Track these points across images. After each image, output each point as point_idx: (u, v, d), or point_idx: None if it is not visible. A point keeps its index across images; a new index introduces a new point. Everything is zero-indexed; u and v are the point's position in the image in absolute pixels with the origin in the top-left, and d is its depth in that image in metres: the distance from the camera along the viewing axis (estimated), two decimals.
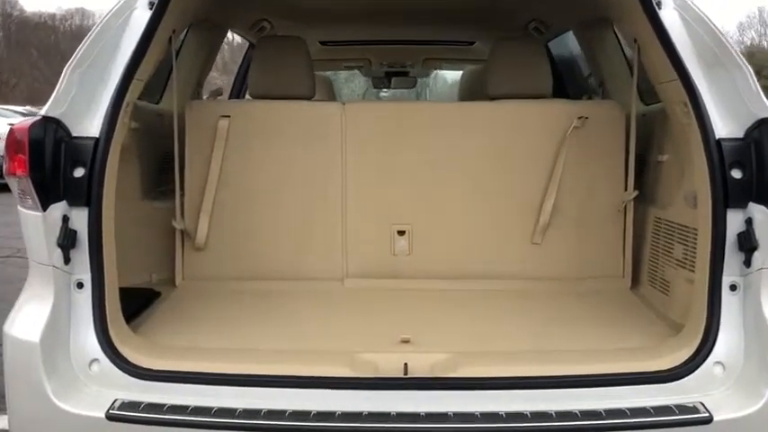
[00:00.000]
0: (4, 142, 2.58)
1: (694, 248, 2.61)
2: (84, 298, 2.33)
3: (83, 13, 57.47)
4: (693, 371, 2.27)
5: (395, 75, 6.28)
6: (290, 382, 2.26)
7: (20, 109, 20.65)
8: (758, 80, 2.35)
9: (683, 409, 2.19)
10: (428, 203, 3.34)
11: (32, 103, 25.26)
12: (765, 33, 54.59)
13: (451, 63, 6.40)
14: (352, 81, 7.28)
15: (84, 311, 2.33)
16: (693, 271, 2.55)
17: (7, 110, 19.48)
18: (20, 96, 40.75)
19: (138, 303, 2.84)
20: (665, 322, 2.75)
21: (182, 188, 3.26)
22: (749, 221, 2.28)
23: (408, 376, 2.24)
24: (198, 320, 2.81)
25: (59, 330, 2.31)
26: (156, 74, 2.79)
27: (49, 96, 2.35)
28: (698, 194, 2.44)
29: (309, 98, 3.50)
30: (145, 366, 2.30)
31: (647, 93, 3.33)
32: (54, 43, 54.08)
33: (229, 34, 4.85)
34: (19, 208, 2.40)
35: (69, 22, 57.87)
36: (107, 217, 2.36)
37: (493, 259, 3.30)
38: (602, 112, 3.34)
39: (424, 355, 2.32)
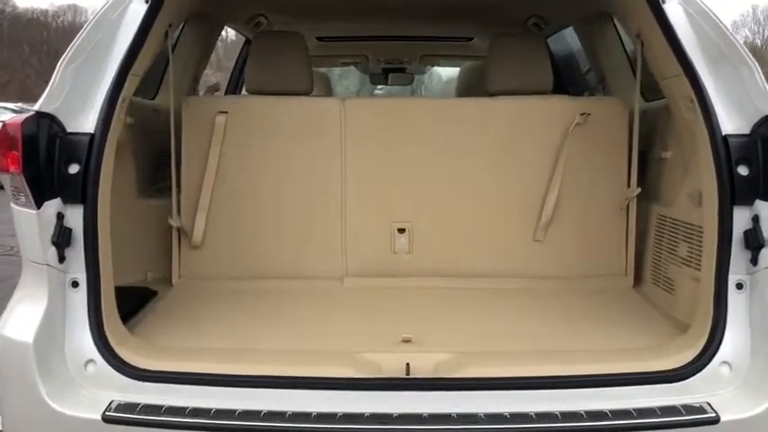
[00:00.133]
0: None
1: (699, 246, 2.58)
2: (80, 297, 2.30)
3: (75, 9, 57.48)
4: (700, 371, 2.25)
5: (392, 71, 6.24)
6: (290, 382, 2.23)
7: (12, 106, 20.53)
8: None
9: (689, 409, 2.17)
10: (428, 201, 3.31)
11: (24, 101, 25.16)
12: (759, 31, 54.89)
13: (449, 59, 6.37)
14: (345, 78, 7.23)
15: (79, 311, 2.29)
16: (699, 269, 2.52)
17: None
18: (12, 93, 40.65)
19: (134, 303, 2.80)
20: (669, 321, 2.72)
21: (178, 185, 3.22)
22: (756, 219, 2.26)
23: (411, 377, 2.21)
24: (195, 320, 2.77)
25: (54, 330, 2.26)
26: (151, 69, 2.75)
27: (41, 93, 2.31)
28: (703, 191, 2.42)
29: (307, 94, 3.46)
30: (141, 367, 2.26)
31: (649, 89, 3.29)
32: (46, 40, 53.93)
33: (223, 32, 4.82)
34: (12, 205, 2.36)
35: (62, 18, 57.79)
36: (102, 214, 2.32)
37: (494, 257, 3.27)
38: (605, 109, 3.31)
39: (427, 354, 2.29)
